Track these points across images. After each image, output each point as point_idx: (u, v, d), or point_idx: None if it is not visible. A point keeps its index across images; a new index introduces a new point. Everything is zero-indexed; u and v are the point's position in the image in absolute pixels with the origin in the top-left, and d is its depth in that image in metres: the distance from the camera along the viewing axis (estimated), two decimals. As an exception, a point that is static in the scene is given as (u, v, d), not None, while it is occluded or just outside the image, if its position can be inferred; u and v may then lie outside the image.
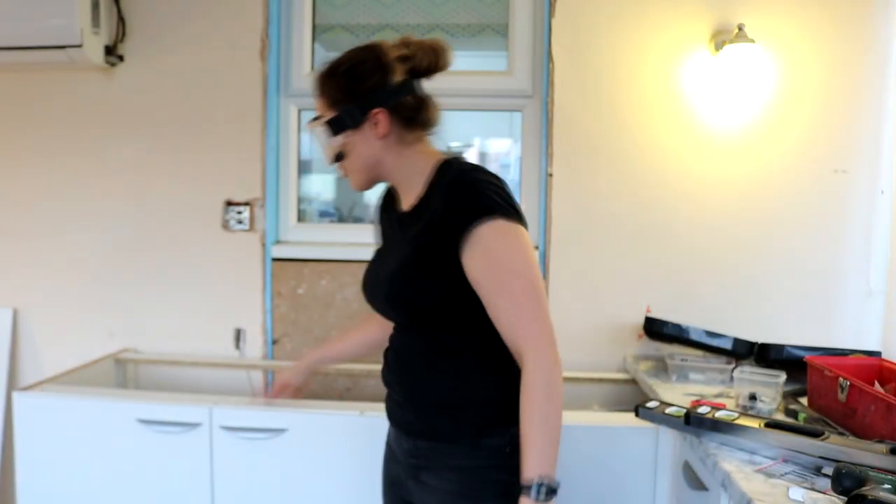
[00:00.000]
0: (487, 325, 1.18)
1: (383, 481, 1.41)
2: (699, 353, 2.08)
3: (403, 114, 1.23)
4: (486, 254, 1.14)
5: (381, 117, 1.21)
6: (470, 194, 1.16)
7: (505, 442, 1.19)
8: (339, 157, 1.26)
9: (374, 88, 1.20)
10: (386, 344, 1.39)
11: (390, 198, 1.37)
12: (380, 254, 1.36)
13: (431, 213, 1.19)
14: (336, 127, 1.23)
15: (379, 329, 1.49)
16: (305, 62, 2.42)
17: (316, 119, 1.26)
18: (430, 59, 1.23)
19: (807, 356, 1.75)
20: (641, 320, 2.16)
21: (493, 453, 1.20)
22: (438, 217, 1.17)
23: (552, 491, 1.10)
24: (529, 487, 1.09)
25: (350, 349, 1.63)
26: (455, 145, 2.93)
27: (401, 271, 1.21)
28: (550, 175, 2.25)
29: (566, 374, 2.20)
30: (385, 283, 1.24)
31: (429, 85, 1.22)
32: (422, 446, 1.25)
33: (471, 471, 1.21)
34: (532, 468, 1.10)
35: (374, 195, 2.72)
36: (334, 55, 1.26)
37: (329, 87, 1.24)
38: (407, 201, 1.28)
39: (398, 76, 1.21)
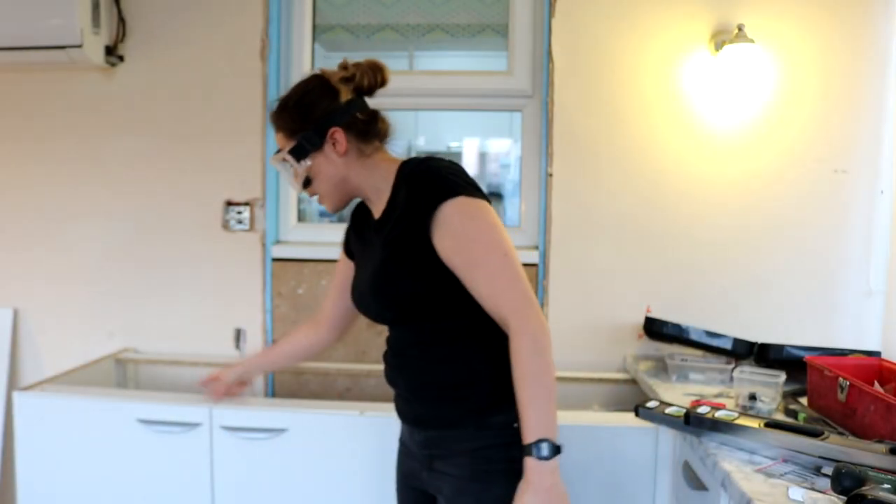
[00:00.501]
0: (474, 305, 1.20)
1: (397, 477, 1.44)
2: (699, 353, 2.08)
3: (358, 128, 1.30)
4: (454, 233, 1.17)
5: (338, 136, 1.28)
6: (428, 180, 1.21)
7: (512, 418, 1.19)
8: (307, 183, 1.32)
9: (326, 111, 1.28)
10: (318, 348, 1.60)
11: (361, 213, 1.42)
12: (361, 267, 1.39)
13: (398, 209, 1.24)
14: (298, 154, 1.29)
15: (306, 335, 1.62)
16: (305, 62, 2.42)
17: (278, 153, 1.32)
18: (370, 78, 1.32)
19: (806, 356, 1.75)
20: (641, 320, 2.16)
21: (500, 431, 1.22)
22: (403, 210, 1.22)
23: (555, 448, 1.12)
24: (531, 446, 1.11)
25: (279, 360, 1.75)
26: (454, 145, 2.93)
27: (380, 272, 1.26)
28: (550, 175, 2.25)
29: (566, 373, 2.23)
30: (368, 289, 1.29)
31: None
32: (432, 435, 1.29)
33: (479, 451, 1.23)
34: (532, 430, 1.12)
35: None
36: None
37: (284, 120, 1.31)
38: (378, 209, 1.32)
39: (345, 96, 1.30)
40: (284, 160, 1.31)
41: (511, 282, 1.16)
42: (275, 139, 1.34)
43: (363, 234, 1.40)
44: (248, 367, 1.77)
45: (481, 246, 1.17)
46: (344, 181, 1.31)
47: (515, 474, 1.14)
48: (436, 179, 1.20)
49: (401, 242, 1.22)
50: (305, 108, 1.28)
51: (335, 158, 1.29)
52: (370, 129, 1.31)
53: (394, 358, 1.36)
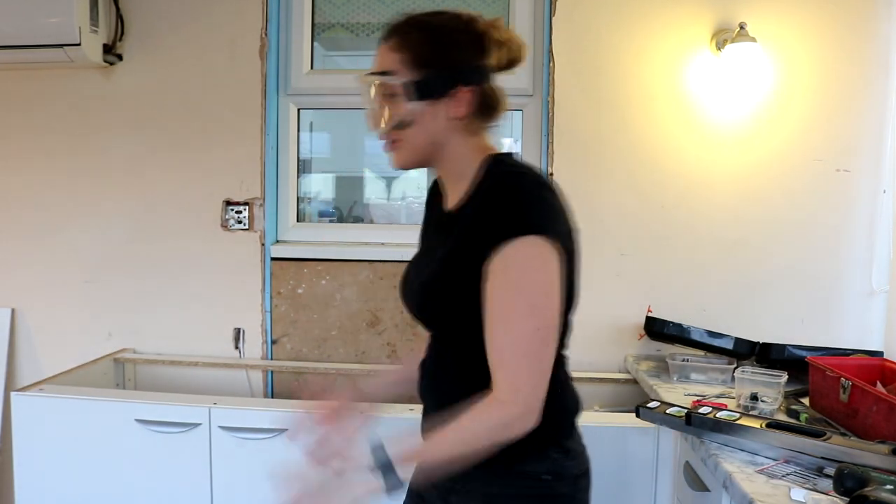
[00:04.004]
0: None
1: (408, 491, 1.25)
2: (700, 353, 2.07)
3: (484, 99, 1.11)
4: (503, 274, 1.01)
5: (467, 96, 1.08)
6: (512, 203, 1.04)
7: (544, 469, 1.08)
8: (400, 126, 1.08)
9: (468, 63, 1.08)
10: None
11: (436, 192, 1.25)
12: (420, 255, 1.24)
13: (468, 217, 1.08)
14: (419, 92, 1.06)
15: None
16: (305, 61, 2.42)
17: (388, 74, 1.07)
18: (515, 54, 1.13)
19: (808, 356, 1.74)
20: (642, 320, 2.15)
21: (530, 481, 1.09)
22: (474, 225, 1.06)
23: (391, 472, 0.99)
24: (385, 461, 0.99)
25: (391, 389, 1.37)
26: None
27: (432, 281, 1.12)
28: (551, 174, 2.25)
29: (567, 373, 2.21)
30: (417, 292, 1.16)
31: None
32: (464, 472, 1.07)
33: (503, 499, 1.09)
34: (398, 449, 1.01)
35: (372, 191, 2.73)
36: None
37: (418, 42, 1.07)
38: (452, 198, 1.16)
39: (492, 59, 1.10)
40: (393, 92, 1.07)
41: (525, 358, 1.01)
42: (380, 55, 1.09)
43: (432, 216, 1.25)
44: (359, 395, 1.34)
45: (520, 302, 1.01)
46: (438, 146, 1.11)
47: None
48: (520, 206, 1.03)
49: (461, 262, 1.06)
50: (450, 46, 1.08)
51: (444, 118, 1.08)
52: (494, 106, 1.13)
53: (428, 373, 1.21)
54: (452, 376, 1.15)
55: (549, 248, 1.02)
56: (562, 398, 1.12)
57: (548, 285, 1.02)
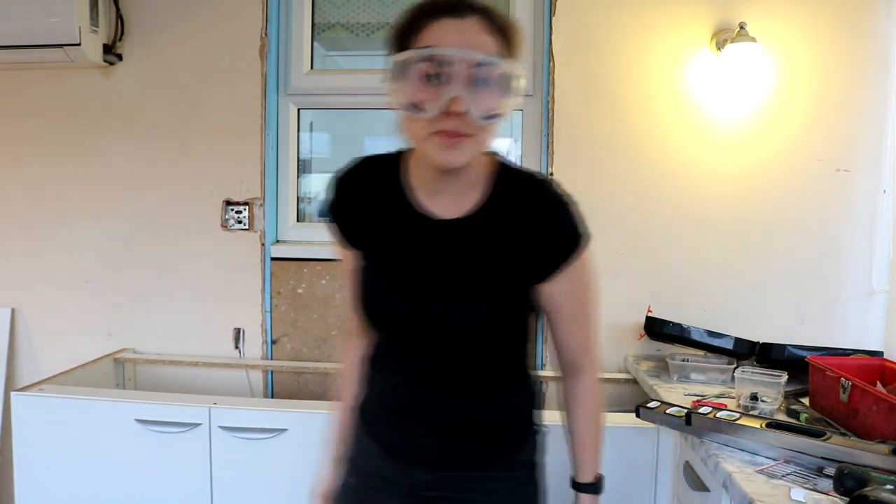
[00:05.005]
0: (527, 344, 1.16)
1: None
2: (700, 352, 2.07)
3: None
4: (580, 282, 1.10)
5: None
6: (574, 220, 1.07)
7: (533, 451, 1.19)
8: (492, 119, 0.97)
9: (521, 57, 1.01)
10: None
11: (369, 187, 1.11)
12: (415, 267, 1.07)
13: (522, 229, 1.04)
14: (518, 87, 0.98)
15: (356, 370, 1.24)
16: (305, 61, 2.41)
17: (507, 59, 0.96)
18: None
19: (808, 356, 1.74)
20: (642, 320, 2.15)
21: (525, 467, 1.18)
22: (538, 237, 1.04)
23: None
24: (595, 484, 1.19)
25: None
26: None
27: (488, 296, 1.04)
28: (551, 174, 2.24)
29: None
30: (465, 309, 1.04)
31: None
32: (458, 477, 1.12)
33: (505, 493, 1.15)
34: (594, 467, 1.20)
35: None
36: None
37: (515, 35, 0.99)
38: (455, 201, 1.06)
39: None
40: (505, 80, 0.95)
41: (595, 337, 1.18)
42: (480, 34, 0.94)
43: (395, 220, 1.09)
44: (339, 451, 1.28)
45: (592, 302, 1.15)
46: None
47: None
48: (580, 220, 1.08)
49: (521, 264, 1.04)
50: (518, 36, 1.00)
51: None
52: None
53: (419, 387, 1.11)
54: (465, 390, 1.10)
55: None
56: (538, 389, 1.21)
57: (595, 277, 1.14)
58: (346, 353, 1.28)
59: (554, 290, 1.08)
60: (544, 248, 1.04)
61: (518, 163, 1.18)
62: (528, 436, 1.18)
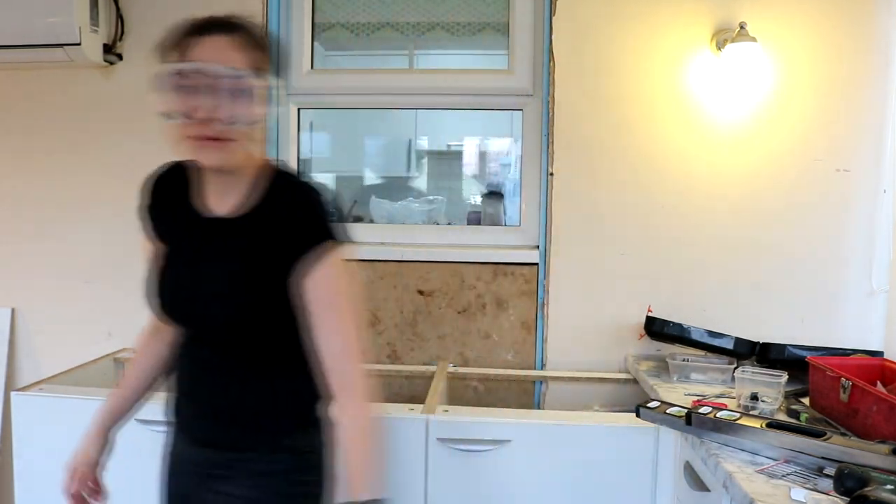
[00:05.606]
0: (292, 335, 1.17)
1: (167, 497, 1.37)
2: (700, 352, 2.08)
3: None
4: (325, 285, 1.13)
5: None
6: (319, 215, 1.15)
7: (305, 443, 1.21)
8: (242, 125, 1.10)
9: (275, 70, 1.17)
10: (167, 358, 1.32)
11: (174, 189, 1.25)
12: (185, 261, 1.21)
13: (272, 226, 1.14)
14: (269, 96, 1.13)
15: (163, 347, 1.35)
16: (305, 61, 2.41)
17: (251, 71, 1.09)
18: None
19: (809, 356, 1.74)
20: (642, 320, 2.15)
21: (295, 455, 1.21)
22: (282, 233, 1.13)
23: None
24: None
25: (144, 385, 1.44)
26: (454, 144, 2.92)
27: (232, 289, 1.15)
28: (551, 174, 2.25)
29: (567, 373, 2.23)
30: (209, 301, 1.17)
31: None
32: (228, 457, 1.22)
33: (269, 475, 1.21)
34: (354, 489, 1.08)
35: (372, 191, 2.73)
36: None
37: (262, 48, 1.14)
38: (224, 202, 1.18)
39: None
40: (247, 90, 1.08)
41: (356, 350, 1.15)
42: (222, 49, 1.09)
43: (178, 221, 1.23)
44: (112, 413, 1.43)
45: (344, 303, 1.15)
46: (247, 146, 1.15)
47: (305, 497, 1.19)
48: (326, 216, 1.16)
49: (268, 268, 1.14)
50: (270, 54, 1.16)
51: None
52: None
53: (197, 373, 1.24)
54: (230, 375, 1.20)
55: (344, 253, 1.16)
56: (316, 383, 1.19)
57: (352, 282, 1.17)
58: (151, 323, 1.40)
59: (302, 290, 1.13)
60: (285, 245, 1.13)
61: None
62: (296, 423, 1.21)
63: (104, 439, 1.41)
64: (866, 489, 1.05)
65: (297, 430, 1.21)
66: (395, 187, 2.82)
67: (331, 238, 1.14)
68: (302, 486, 1.20)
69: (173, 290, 1.21)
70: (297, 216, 1.15)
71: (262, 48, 1.14)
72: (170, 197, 1.26)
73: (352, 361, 1.14)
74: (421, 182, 2.91)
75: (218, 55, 1.09)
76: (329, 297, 1.14)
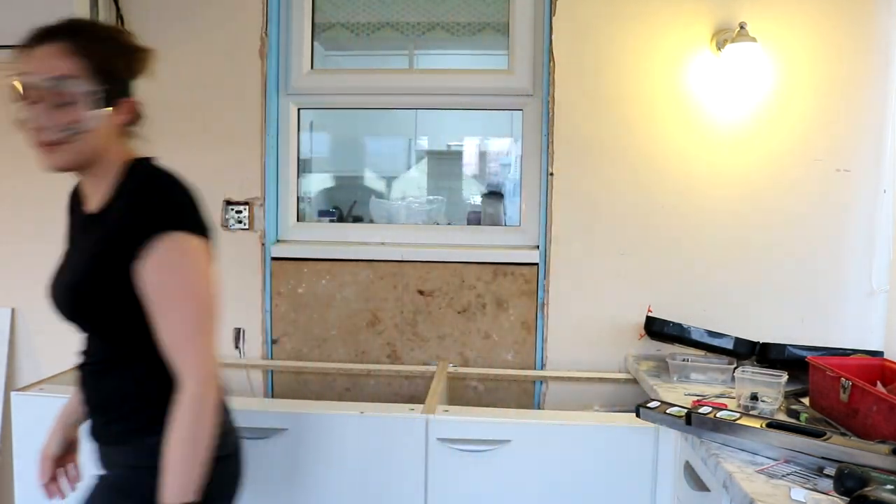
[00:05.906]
0: (141, 330, 1.18)
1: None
2: (700, 352, 2.08)
3: (137, 109, 1.26)
4: (160, 269, 1.13)
5: (130, 106, 1.23)
6: (154, 203, 1.17)
7: (152, 434, 1.19)
8: (75, 132, 1.15)
9: (131, 74, 1.23)
10: None
11: (76, 196, 1.34)
12: (65, 257, 1.30)
13: (113, 219, 1.17)
14: (102, 101, 1.15)
15: None
16: (305, 61, 2.41)
17: (68, 78, 1.12)
18: (146, 65, 1.28)
19: (808, 356, 1.74)
20: (642, 320, 2.15)
21: (142, 449, 1.20)
22: (119, 225, 1.16)
23: None
24: None
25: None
26: (454, 144, 2.92)
27: (80, 282, 1.18)
28: (551, 174, 2.25)
29: (566, 373, 2.23)
30: (64, 294, 1.22)
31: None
32: (102, 450, 1.28)
33: (130, 468, 1.23)
34: (172, 493, 1.09)
35: (372, 191, 2.73)
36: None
37: (98, 51, 1.15)
38: (94, 200, 1.24)
39: (141, 72, 1.26)
40: (71, 97, 1.12)
41: (193, 339, 1.14)
42: (46, 57, 1.13)
43: (75, 217, 1.33)
44: (69, 415, 1.48)
45: (180, 293, 1.14)
46: (98, 152, 1.19)
47: (153, 497, 1.15)
48: (161, 206, 1.17)
49: (108, 260, 1.15)
50: (120, 57, 1.19)
51: (110, 125, 1.20)
52: (140, 117, 1.29)
53: (83, 366, 1.30)
54: (101, 369, 1.25)
55: (192, 241, 1.16)
56: (163, 373, 1.20)
57: (197, 270, 1.16)
58: None
59: (141, 277, 1.14)
60: (125, 236, 1.14)
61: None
62: (143, 418, 1.20)
63: (63, 435, 1.46)
64: (866, 489, 1.05)
65: (144, 425, 1.20)
66: (395, 187, 2.82)
67: (169, 228, 1.14)
68: (143, 482, 1.18)
69: (50, 285, 1.27)
70: (135, 208, 1.16)
71: (102, 49, 1.16)
72: (74, 202, 1.34)
73: (187, 349, 1.14)
74: (421, 182, 2.91)
75: (41, 65, 1.12)
76: (164, 285, 1.13)
